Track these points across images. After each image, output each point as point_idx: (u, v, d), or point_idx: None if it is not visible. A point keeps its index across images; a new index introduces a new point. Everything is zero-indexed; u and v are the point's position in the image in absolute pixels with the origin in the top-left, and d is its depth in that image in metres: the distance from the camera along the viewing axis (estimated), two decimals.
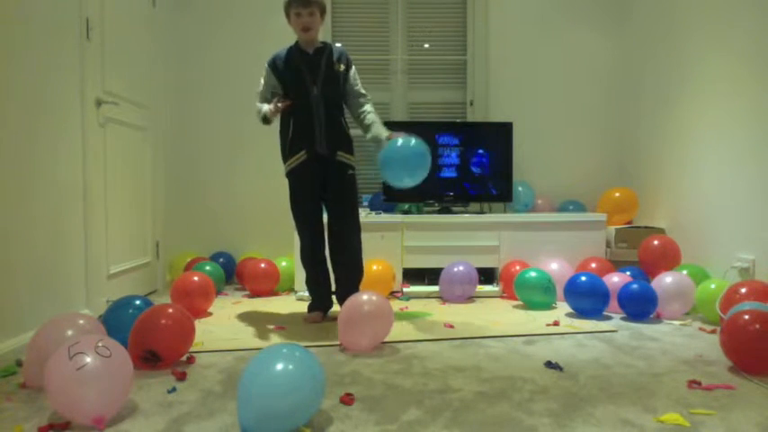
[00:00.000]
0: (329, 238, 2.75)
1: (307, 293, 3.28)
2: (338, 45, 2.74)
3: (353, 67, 2.73)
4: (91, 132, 2.83)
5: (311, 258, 2.77)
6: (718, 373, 1.94)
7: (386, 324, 2.27)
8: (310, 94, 2.59)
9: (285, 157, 2.68)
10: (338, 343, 2.30)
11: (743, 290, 2.42)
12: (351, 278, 2.72)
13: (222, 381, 1.89)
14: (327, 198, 2.70)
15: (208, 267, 3.39)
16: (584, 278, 2.83)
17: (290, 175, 2.69)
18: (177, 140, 3.95)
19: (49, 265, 2.52)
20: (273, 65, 2.64)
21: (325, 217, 2.79)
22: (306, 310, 2.84)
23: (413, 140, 2.47)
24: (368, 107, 2.69)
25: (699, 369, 1.99)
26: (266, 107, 2.57)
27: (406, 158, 2.44)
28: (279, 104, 2.53)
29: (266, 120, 2.59)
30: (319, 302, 2.78)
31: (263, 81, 2.67)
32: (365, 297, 2.27)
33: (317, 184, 2.66)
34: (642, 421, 1.53)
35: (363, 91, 2.73)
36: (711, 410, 1.60)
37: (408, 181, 2.47)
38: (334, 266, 2.76)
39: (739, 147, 2.93)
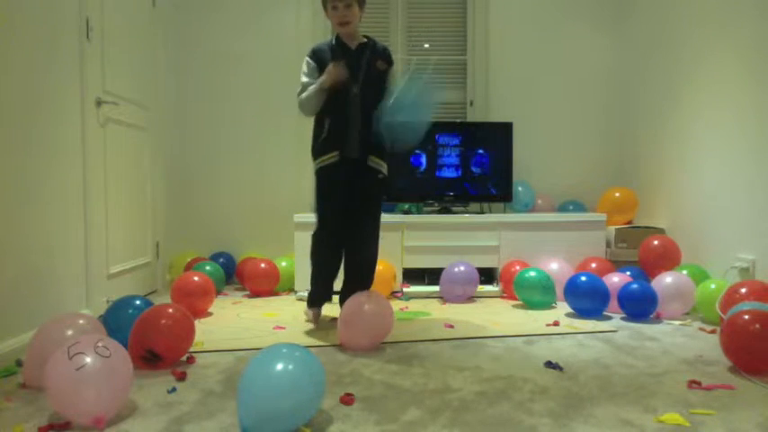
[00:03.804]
0: (348, 241, 2.65)
1: (307, 293, 3.28)
2: (380, 42, 2.65)
3: (393, 67, 2.63)
4: (91, 132, 2.83)
5: (331, 247, 2.64)
6: (718, 373, 1.94)
7: (386, 324, 2.27)
8: (350, 93, 2.48)
9: (316, 155, 2.58)
10: (338, 343, 2.30)
11: (743, 290, 2.42)
12: (360, 287, 2.59)
13: (222, 381, 1.89)
14: (353, 201, 2.59)
15: (208, 267, 3.39)
16: (584, 278, 2.83)
17: (320, 172, 2.58)
18: (177, 140, 3.95)
19: (50, 265, 2.52)
20: (315, 57, 2.53)
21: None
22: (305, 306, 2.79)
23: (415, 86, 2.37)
24: None
25: (699, 369, 1.99)
26: (317, 83, 2.44)
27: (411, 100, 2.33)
28: (339, 66, 2.40)
29: (318, 96, 2.45)
30: (324, 295, 2.72)
31: (307, 72, 2.53)
32: (365, 297, 2.27)
33: (346, 185, 2.56)
34: (642, 421, 1.53)
35: None
36: (711, 410, 1.60)
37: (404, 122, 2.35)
38: (346, 269, 2.69)
39: (739, 147, 2.93)
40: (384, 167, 2.64)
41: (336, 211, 2.59)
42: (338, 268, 2.71)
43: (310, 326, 2.66)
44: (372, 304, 2.24)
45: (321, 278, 2.71)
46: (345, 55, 2.51)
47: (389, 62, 2.62)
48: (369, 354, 2.20)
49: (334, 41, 2.58)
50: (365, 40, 2.59)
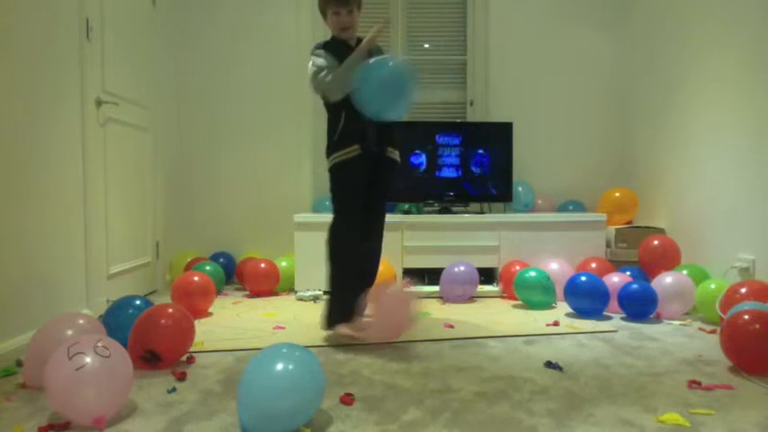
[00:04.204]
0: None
1: (309, 293, 3.28)
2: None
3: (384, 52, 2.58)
4: (91, 132, 2.83)
5: (361, 252, 2.49)
6: (718, 373, 1.94)
7: (408, 318, 2.32)
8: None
9: (334, 149, 2.45)
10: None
11: (743, 290, 2.42)
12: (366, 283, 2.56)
13: (222, 381, 1.89)
14: (370, 192, 2.50)
15: (208, 267, 3.39)
16: (584, 278, 2.83)
17: (338, 167, 2.45)
18: (177, 140, 3.95)
19: (50, 265, 2.52)
20: (325, 48, 2.45)
21: None
22: (327, 319, 2.47)
23: (391, 62, 2.23)
24: None
25: (699, 369, 1.99)
26: (356, 51, 2.36)
27: (379, 80, 2.19)
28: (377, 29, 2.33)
29: (348, 71, 2.32)
30: (353, 310, 2.43)
31: (323, 61, 2.41)
32: (392, 288, 2.39)
33: (367, 178, 2.46)
34: (642, 421, 1.53)
35: None
36: (711, 410, 1.60)
37: (382, 109, 2.22)
38: None
39: (739, 147, 2.93)
40: (398, 155, 2.60)
41: (360, 207, 2.47)
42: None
43: (310, 326, 2.63)
44: (397, 296, 2.31)
45: (355, 282, 2.46)
46: (348, 52, 2.44)
47: (381, 52, 2.57)
48: (369, 354, 2.20)
49: (335, 41, 2.52)
50: (359, 38, 2.55)
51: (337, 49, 2.46)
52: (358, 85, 2.21)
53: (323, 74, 2.39)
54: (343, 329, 2.39)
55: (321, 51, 2.45)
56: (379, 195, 2.57)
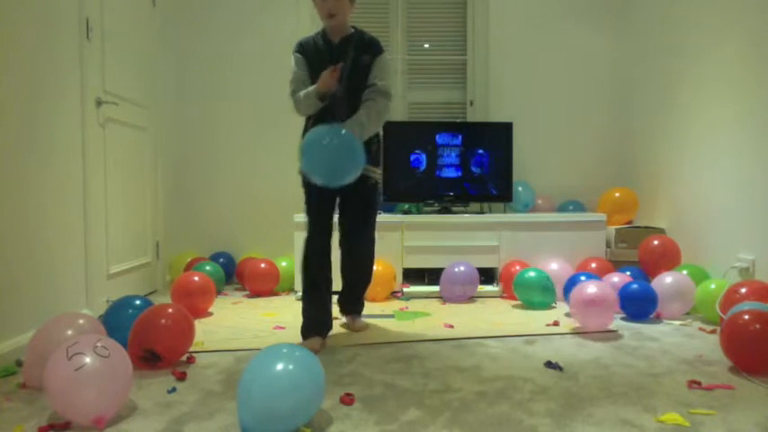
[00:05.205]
0: (342, 246, 2.45)
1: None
2: (368, 33, 2.42)
3: (381, 56, 2.34)
4: (91, 132, 2.83)
5: (319, 259, 2.36)
6: (718, 373, 1.94)
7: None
8: (335, 91, 2.24)
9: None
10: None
11: (743, 290, 2.42)
12: (359, 285, 2.55)
13: (222, 381, 1.89)
14: (342, 206, 2.40)
15: (208, 267, 3.39)
16: (583, 278, 2.83)
17: (302, 172, 2.32)
18: (177, 140, 3.95)
19: (49, 265, 2.52)
20: (302, 51, 2.36)
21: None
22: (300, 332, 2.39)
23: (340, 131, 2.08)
24: (365, 105, 2.27)
25: (699, 369, 1.99)
26: (312, 88, 2.22)
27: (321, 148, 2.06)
28: (336, 67, 2.15)
29: (321, 98, 2.22)
30: (319, 325, 2.36)
31: (296, 68, 2.35)
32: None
33: (328, 189, 2.24)
34: (642, 421, 1.53)
35: (380, 84, 2.29)
36: (711, 410, 1.60)
37: (315, 175, 2.10)
38: (343, 271, 2.51)
39: (739, 147, 2.93)
40: (374, 172, 2.39)
41: (323, 213, 2.36)
42: (330, 286, 2.44)
43: None
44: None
45: (314, 295, 2.37)
46: (328, 49, 2.34)
47: (377, 52, 2.34)
48: (369, 354, 2.20)
49: (320, 35, 2.40)
50: (352, 31, 2.37)
51: (318, 48, 2.35)
52: (302, 155, 2.10)
53: (291, 89, 2.34)
54: (306, 343, 2.25)
55: (298, 57, 2.37)
56: (351, 210, 2.40)
